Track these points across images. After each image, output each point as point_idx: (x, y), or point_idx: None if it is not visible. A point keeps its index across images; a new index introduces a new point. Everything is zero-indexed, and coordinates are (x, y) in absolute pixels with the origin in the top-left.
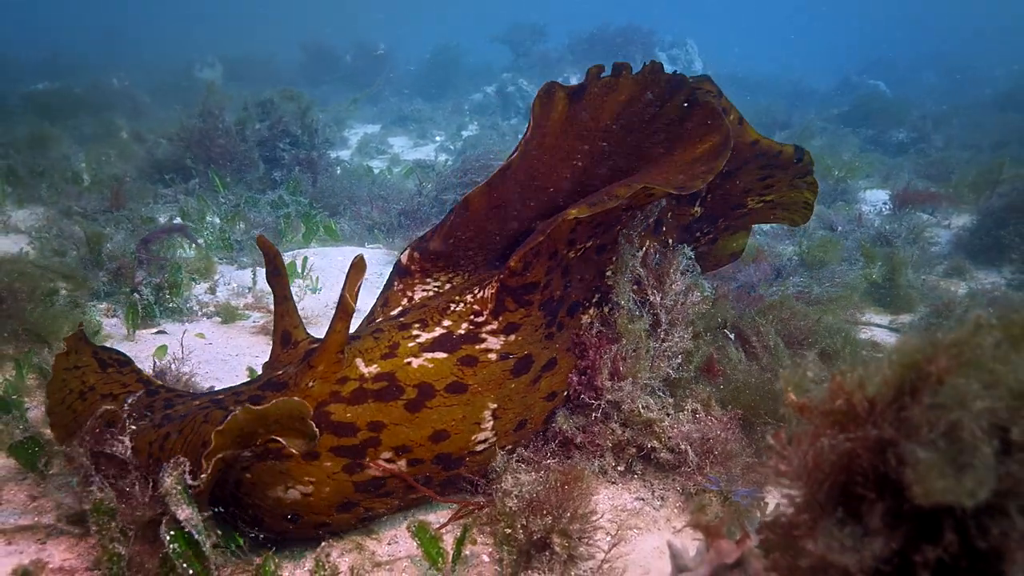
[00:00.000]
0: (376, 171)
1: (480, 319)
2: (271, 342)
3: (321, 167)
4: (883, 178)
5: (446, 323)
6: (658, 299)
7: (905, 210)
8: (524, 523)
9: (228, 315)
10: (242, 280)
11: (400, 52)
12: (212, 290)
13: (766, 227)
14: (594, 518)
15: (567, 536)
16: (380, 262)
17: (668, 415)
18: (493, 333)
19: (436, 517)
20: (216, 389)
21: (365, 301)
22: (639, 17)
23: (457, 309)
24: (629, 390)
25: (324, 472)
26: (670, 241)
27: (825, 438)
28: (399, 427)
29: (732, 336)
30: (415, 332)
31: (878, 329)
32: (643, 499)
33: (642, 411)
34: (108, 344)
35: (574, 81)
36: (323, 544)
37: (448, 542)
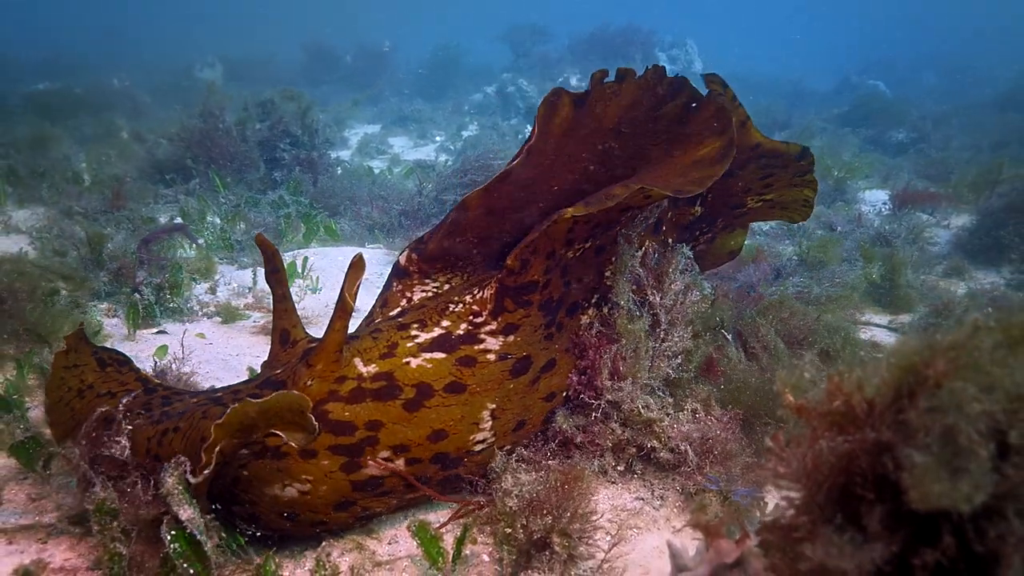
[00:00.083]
0: (376, 171)
1: (479, 320)
2: (271, 341)
3: (321, 167)
4: (883, 178)
5: (445, 323)
6: (657, 299)
7: (904, 210)
8: (524, 523)
9: (228, 315)
10: (242, 280)
11: (400, 52)
12: (212, 290)
13: (766, 227)
14: (594, 518)
15: (567, 536)
16: (380, 262)
17: (668, 415)
18: (492, 334)
19: (436, 517)
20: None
21: (364, 301)
22: (639, 17)
23: (456, 310)
24: (629, 390)
25: (321, 470)
26: (670, 241)
27: (824, 440)
28: (397, 426)
29: (731, 336)
30: (414, 332)
31: (877, 329)
32: (643, 499)
33: (642, 411)
34: (109, 344)
35: (574, 81)
36: (324, 544)
37: (448, 542)
